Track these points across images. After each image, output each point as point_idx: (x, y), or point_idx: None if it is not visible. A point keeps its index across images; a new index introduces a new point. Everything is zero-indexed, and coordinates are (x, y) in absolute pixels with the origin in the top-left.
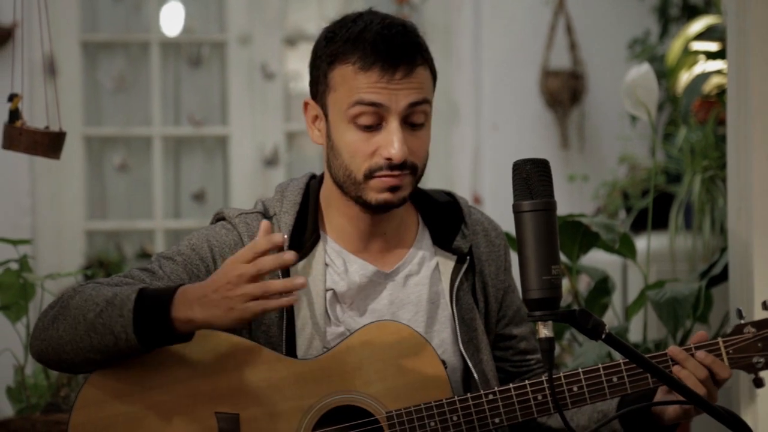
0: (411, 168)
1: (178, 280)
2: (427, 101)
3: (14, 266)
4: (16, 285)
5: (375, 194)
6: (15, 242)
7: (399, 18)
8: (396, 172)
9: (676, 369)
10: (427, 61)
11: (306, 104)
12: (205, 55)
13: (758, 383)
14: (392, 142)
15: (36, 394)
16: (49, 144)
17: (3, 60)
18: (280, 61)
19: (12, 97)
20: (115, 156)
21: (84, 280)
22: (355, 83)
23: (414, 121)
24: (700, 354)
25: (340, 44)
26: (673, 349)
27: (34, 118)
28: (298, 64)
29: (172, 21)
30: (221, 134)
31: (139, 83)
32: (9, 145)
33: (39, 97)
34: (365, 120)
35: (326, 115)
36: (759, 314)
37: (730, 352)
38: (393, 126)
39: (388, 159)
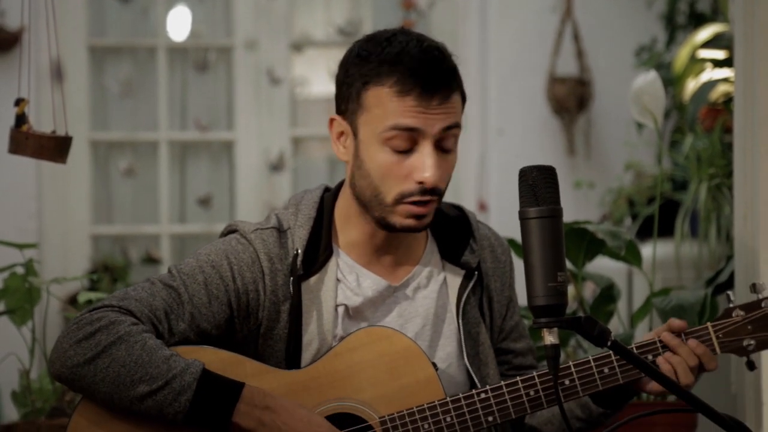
0: (439, 194)
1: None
2: (458, 125)
3: (20, 270)
4: (22, 289)
5: (401, 219)
6: (21, 246)
7: (433, 40)
8: (426, 198)
9: (667, 355)
10: (460, 85)
11: (332, 120)
12: (211, 60)
13: (751, 366)
14: (426, 167)
15: (41, 399)
16: (56, 148)
17: (10, 64)
18: (286, 66)
19: (18, 102)
20: (121, 160)
21: (91, 284)
22: (391, 106)
23: (444, 146)
24: (692, 342)
25: (375, 65)
26: (665, 336)
27: (41, 123)
28: (305, 69)
29: (179, 26)
30: (227, 139)
31: (145, 88)
32: (15, 149)
33: (46, 101)
34: (399, 144)
35: (355, 134)
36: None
37: (720, 336)
38: (427, 150)
39: (421, 183)
